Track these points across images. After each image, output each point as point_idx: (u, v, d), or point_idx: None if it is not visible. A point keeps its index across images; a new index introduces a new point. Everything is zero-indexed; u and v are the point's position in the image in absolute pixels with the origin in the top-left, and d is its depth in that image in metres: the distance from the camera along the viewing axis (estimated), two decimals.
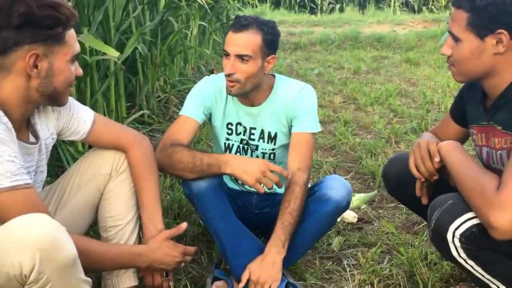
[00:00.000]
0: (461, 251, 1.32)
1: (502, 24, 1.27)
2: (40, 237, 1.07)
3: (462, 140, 1.63)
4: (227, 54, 1.71)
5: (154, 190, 1.58)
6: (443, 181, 1.48)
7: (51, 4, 1.21)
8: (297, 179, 1.71)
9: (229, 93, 1.76)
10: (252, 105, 1.85)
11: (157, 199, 1.59)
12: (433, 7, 13.26)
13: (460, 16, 1.32)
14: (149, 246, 1.50)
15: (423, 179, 1.50)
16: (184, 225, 1.56)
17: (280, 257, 1.63)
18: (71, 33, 1.30)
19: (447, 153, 1.41)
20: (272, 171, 1.61)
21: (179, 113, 1.82)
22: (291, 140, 1.81)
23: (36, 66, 1.24)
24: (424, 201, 1.54)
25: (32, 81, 1.26)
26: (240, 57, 1.68)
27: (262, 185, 1.61)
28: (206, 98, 1.83)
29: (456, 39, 1.34)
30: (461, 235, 1.29)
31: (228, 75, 1.70)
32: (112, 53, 2.15)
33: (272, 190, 1.74)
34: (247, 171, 1.59)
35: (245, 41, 1.67)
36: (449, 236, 1.31)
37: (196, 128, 1.81)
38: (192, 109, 1.81)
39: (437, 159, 1.44)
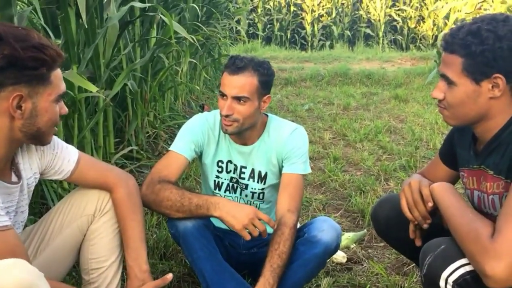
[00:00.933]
0: None
1: (498, 68, 1.27)
2: (17, 283, 1.03)
3: (452, 182, 1.60)
4: (223, 95, 1.72)
5: (139, 230, 1.55)
6: (435, 222, 1.46)
7: (36, 45, 1.21)
8: (286, 220, 1.69)
9: (225, 132, 1.77)
10: (245, 144, 1.84)
11: (142, 239, 1.55)
12: (420, 45, 13.57)
13: (454, 60, 1.32)
14: None
15: (416, 222, 1.47)
16: (169, 276, 1.50)
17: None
18: (56, 73, 1.29)
19: (440, 195, 1.39)
20: (260, 220, 1.61)
21: (169, 148, 1.81)
22: (282, 181, 1.81)
23: (19, 107, 1.23)
24: (418, 243, 1.51)
25: (15, 122, 1.24)
26: (238, 98, 1.70)
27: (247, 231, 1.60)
28: (198, 135, 1.83)
29: (451, 83, 1.33)
30: (454, 282, 1.26)
31: (226, 116, 1.71)
32: (92, 89, 2.17)
33: (256, 237, 1.72)
34: (236, 216, 1.59)
35: (241, 83, 1.70)
36: (441, 283, 1.28)
37: (185, 165, 1.80)
38: (183, 146, 1.80)
39: (430, 204, 1.42)
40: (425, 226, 1.47)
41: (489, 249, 1.16)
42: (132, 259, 1.51)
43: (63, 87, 1.32)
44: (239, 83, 1.70)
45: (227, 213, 1.60)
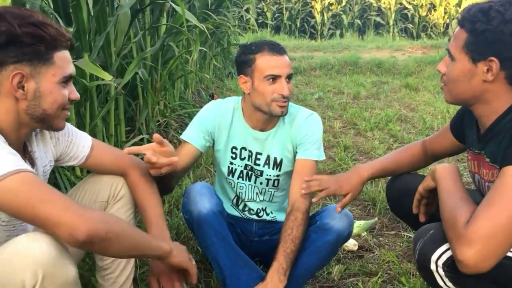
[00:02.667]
0: (446, 280, 1.31)
1: (495, 52, 1.26)
2: (42, 254, 1.08)
3: (456, 152, 1.66)
4: (274, 78, 1.72)
5: (160, 208, 1.55)
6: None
7: (35, 22, 1.20)
8: (299, 205, 1.69)
9: (281, 114, 1.77)
10: (262, 130, 1.84)
11: (164, 218, 1.55)
12: (431, 33, 13.42)
13: (460, 35, 1.33)
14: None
15: (419, 197, 1.53)
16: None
17: (282, 285, 1.60)
18: (61, 54, 1.26)
19: (440, 178, 1.41)
20: None
21: (180, 136, 1.82)
22: (295, 167, 1.81)
23: (22, 87, 1.21)
24: (422, 218, 1.55)
25: (20, 103, 1.23)
26: (289, 76, 1.74)
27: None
28: (207, 123, 1.83)
29: (452, 58, 1.35)
30: (443, 264, 1.29)
31: (286, 96, 1.72)
32: (107, 78, 2.16)
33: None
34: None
35: (288, 62, 1.75)
36: (432, 266, 1.31)
37: (193, 153, 1.80)
38: (191, 134, 1.81)
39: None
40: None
41: (462, 235, 1.18)
42: (157, 235, 1.48)
43: (69, 69, 1.29)
44: (287, 62, 1.74)
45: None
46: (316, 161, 1.81)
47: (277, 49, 1.73)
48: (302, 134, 1.81)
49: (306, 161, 1.79)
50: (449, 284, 1.31)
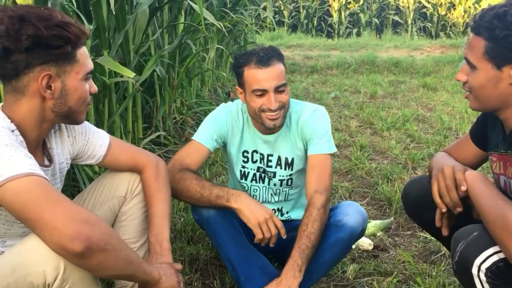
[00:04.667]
0: (486, 286, 1.27)
1: None
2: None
3: (479, 162, 1.60)
4: (262, 92, 1.70)
5: (163, 208, 1.54)
6: (465, 212, 1.44)
7: (59, 23, 1.21)
8: (314, 201, 1.69)
9: (273, 126, 1.76)
10: (269, 133, 1.84)
11: (166, 217, 1.54)
12: (450, 32, 13.25)
13: (478, 43, 1.30)
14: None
15: (444, 209, 1.44)
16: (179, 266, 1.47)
17: (297, 281, 1.60)
18: (82, 51, 1.29)
19: (473, 183, 1.37)
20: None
21: (192, 137, 1.82)
22: (308, 163, 1.80)
23: (49, 87, 1.24)
24: (445, 232, 1.49)
25: (47, 102, 1.26)
26: (278, 88, 1.69)
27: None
28: (221, 126, 1.83)
29: (473, 67, 1.33)
30: (487, 269, 1.25)
31: (275, 110, 1.70)
32: (129, 74, 2.18)
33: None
34: (254, 212, 1.60)
35: (277, 72, 1.69)
36: (474, 270, 1.27)
37: (206, 155, 1.81)
38: (205, 136, 1.80)
39: (463, 187, 1.38)
40: (457, 210, 1.44)
41: None
42: (153, 235, 1.50)
43: (90, 64, 1.32)
44: (275, 73, 1.68)
45: (246, 207, 1.61)
46: (329, 154, 1.79)
47: (264, 61, 1.67)
48: (310, 130, 1.80)
49: (318, 156, 1.78)
50: None
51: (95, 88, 1.37)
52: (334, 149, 1.82)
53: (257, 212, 1.60)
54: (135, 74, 2.19)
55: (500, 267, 1.23)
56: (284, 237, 1.65)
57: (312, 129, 1.80)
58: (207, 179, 1.74)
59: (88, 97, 1.34)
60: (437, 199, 1.45)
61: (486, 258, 1.25)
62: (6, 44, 1.17)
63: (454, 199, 1.41)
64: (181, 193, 1.68)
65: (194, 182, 1.67)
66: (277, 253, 1.91)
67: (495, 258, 1.24)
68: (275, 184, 1.90)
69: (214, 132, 1.81)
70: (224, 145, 1.89)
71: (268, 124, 1.74)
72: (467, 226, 1.35)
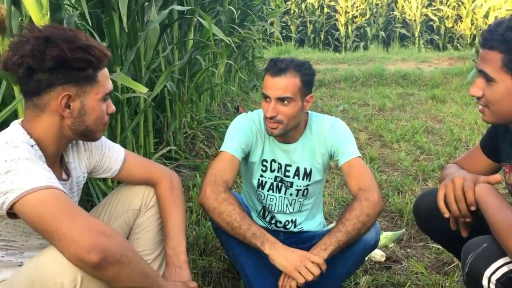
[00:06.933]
0: None
1: None
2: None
3: (491, 174, 1.58)
4: (266, 97, 1.75)
5: (179, 221, 1.57)
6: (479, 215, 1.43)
7: (83, 46, 1.25)
8: (358, 196, 1.67)
9: (270, 134, 1.79)
10: (288, 142, 1.86)
11: (182, 230, 1.57)
12: (458, 44, 13.26)
13: (493, 57, 1.30)
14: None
15: (447, 215, 1.44)
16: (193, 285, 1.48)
17: (317, 258, 1.55)
18: (103, 72, 1.33)
19: (482, 196, 1.36)
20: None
21: (222, 149, 1.79)
22: (344, 172, 1.79)
23: (68, 106, 1.28)
24: (464, 234, 1.47)
25: (65, 120, 1.30)
26: (281, 99, 1.71)
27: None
28: (248, 135, 1.84)
29: (490, 80, 1.32)
30: (497, 280, 1.25)
31: (270, 118, 1.73)
32: (142, 90, 2.22)
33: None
34: (289, 258, 1.56)
35: (284, 84, 1.71)
36: (484, 281, 1.27)
37: (238, 166, 1.80)
38: (234, 146, 1.79)
39: (473, 207, 1.37)
40: (466, 221, 1.44)
41: None
42: (170, 248, 1.52)
43: (109, 85, 1.37)
44: (282, 84, 1.71)
45: (280, 254, 1.57)
46: (359, 157, 1.79)
47: (275, 71, 1.72)
48: (334, 139, 1.82)
49: (349, 162, 1.77)
50: None
51: (112, 108, 1.40)
52: (359, 154, 1.82)
53: (291, 257, 1.56)
54: (147, 89, 2.23)
55: (511, 278, 1.23)
56: (325, 271, 1.57)
57: (335, 139, 1.82)
58: (247, 212, 1.71)
59: (105, 117, 1.37)
60: (441, 203, 1.43)
61: (496, 269, 1.25)
62: (30, 63, 1.21)
63: (463, 210, 1.40)
64: (220, 215, 1.62)
65: (237, 210, 1.62)
66: None
67: (505, 269, 1.24)
68: (291, 194, 1.92)
69: (242, 142, 1.81)
70: (247, 154, 1.88)
71: (267, 130, 1.78)
72: (476, 237, 1.35)
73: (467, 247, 1.35)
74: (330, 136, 1.83)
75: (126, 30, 2.38)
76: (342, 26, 13.84)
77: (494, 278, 1.25)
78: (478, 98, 1.38)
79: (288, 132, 1.81)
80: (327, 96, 6.76)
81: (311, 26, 14.12)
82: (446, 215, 1.44)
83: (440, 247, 2.27)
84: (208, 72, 4.19)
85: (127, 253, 1.16)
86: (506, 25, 1.29)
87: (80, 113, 1.30)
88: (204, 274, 2.05)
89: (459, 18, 13.56)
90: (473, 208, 1.37)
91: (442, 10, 13.63)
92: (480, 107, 1.39)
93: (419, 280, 2.02)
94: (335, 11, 14.09)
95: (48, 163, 1.28)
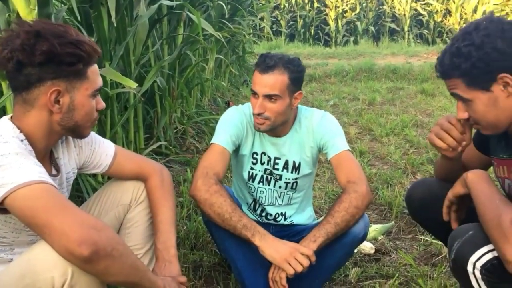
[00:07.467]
0: (482, 283, 1.30)
1: (497, 69, 1.28)
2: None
3: (485, 167, 1.61)
4: (255, 93, 1.76)
5: (169, 215, 1.58)
6: (474, 208, 1.46)
7: (73, 41, 1.25)
8: (347, 189, 1.69)
9: (257, 130, 1.80)
10: (277, 136, 1.88)
11: (172, 224, 1.57)
12: (447, 38, 13.34)
13: (455, 83, 1.34)
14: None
15: (445, 147, 1.47)
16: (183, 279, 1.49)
17: (306, 250, 1.57)
18: (93, 68, 1.33)
19: (473, 182, 1.40)
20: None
21: (213, 141, 1.80)
22: (332, 165, 1.81)
23: (57, 102, 1.28)
24: (454, 225, 1.50)
25: (54, 116, 1.29)
26: (269, 96, 1.72)
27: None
28: (238, 127, 1.85)
29: (466, 100, 1.35)
30: (481, 266, 1.28)
31: (258, 114, 1.74)
32: (132, 85, 2.21)
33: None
34: (279, 250, 1.57)
35: (272, 82, 1.71)
36: (469, 267, 1.30)
37: (229, 158, 1.81)
38: (225, 139, 1.80)
39: (464, 142, 1.43)
40: (460, 149, 1.47)
41: (509, 234, 1.17)
42: (160, 242, 1.53)
43: (99, 82, 1.37)
44: (270, 82, 1.72)
45: (269, 246, 1.58)
46: (348, 150, 1.80)
47: (263, 68, 1.72)
48: (323, 133, 1.83)
49: (338, 155, 1.79)
50: (484, 287, 1.30)
51: (102, 105, 1.40)
52: (348, 147, 1.83)
53: (281, 249, 1.57)
54: (137, 84, 2.23)
55: (495, 265, 1.26)
56: (314, 262, 1.59)
57: (324, 133, 1.84)
58: (239, 206, 1.72)
59: (94, 113, 1.37)
60: (437, 141, 1.47)
61: (481, 256, 1.28)
62: (20, 57, 1.21)
63: (456, 136, 1.44)
64: (211, 206, 1.63)
65: (229, 201, 1.63)
66: None
67: (489, 256, 1.27)
68: (280, 187, 1.93)
69: (233, 134, 1.82)
70: (237, 147, 1.89)
71: (254, 126, 1.80)
72: (463, 225, 1.38)
73: (454, 234, 1.38)
74: (319, 130, 1.85)
75: (115, 25, 2.37)
76: (332, 21, 13.85)
77: (478, 264, 1.28)
78: (468, 119, 1.41)
79: (276, 128, 1.82)
80: (317, 90, 6.78)
81: (301, 20, 14.12)
82: (444, 146, 1.47)
83: (429, 239, 2.30)
84: (198, 67, 4.19)
85: (117, 247, 1.16)
86: (449, 53, 1.33)
87: (70, 108, 1.30)
88: (195, 268, 2.07)
89: (448, 12, 13.64)
90: (465, 142, 1.43)
91: (431, 4, 13.70)
92: (474, 125, 1.42)
93: (407, 271, 2.05)
94: (325, 5, 14.10)
95: (37, 158, 1.28)
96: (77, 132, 1.37)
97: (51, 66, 1.24)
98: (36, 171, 1.17)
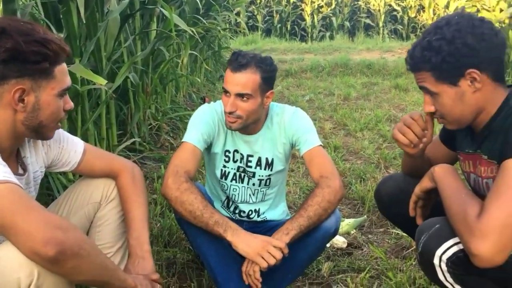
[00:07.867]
0: (447, 275, 1.33)
1: (466, 65, 1.30)
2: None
3: (452, 163, 1.64)
4: (226, 92, 1.75)
5: (141, 211, 1.56)
6: (439, 204, 1.49)
7: (39, 40, 1.23)
8: (320, 183, 1.71)
9: (229, 128, 1.80)
10: (249, 133, 1.88)
11: (145, 221, 1.56)
12: (421, 34, 13.50)
13: (424, 76, 1.37)
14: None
15: (406, 142, 1.50)
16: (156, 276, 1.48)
17: (279, 243, 1.59)
18: (61, 67, 1.30)
19: (440, 176, 1.42)
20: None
21: (184, 139, 1.79)
22: (305, 161, 1.82)
23: (22, 100, 1.25)
24: (419, 221, 1.54)
25: (18, 115, 1.26)
26: (241, 95, 1.72)
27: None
28: (209, 125, 1.84)
29: (433, 93, 1.38)
30: (447, 259, 1.31)
31: (229, 113, 1.74)
32: (101, 82, 2.19)
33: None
34: (250, 244, 1.59)
35: (244, 81, 1.71)
36: (436, 260, 1.32)
37: (201, 157, 1.80)
38: (197, 137, 1.79)
39: (425, 138, 1.46)
40: (421, 146, 1.51)
41: (475, 228, 1.20)
42: (133, 239, 1.52)
43: (67, 81, 1.34)
44: (241, 80, 1.71)
45: (242, 241, 1.59)
46: (320, 145, 1.81)
47: (235, 66, 1.72)
48: (295, 129, 1.84)
49: (311, 150, 1.80)
50: (450, 280, 1.33)
51: (70, 105, 1.37)
52: (320, 143, 1.84)
53: (253, 243, 1.58)
54: (107, 81, 2.20)
55: (460, 257, 1.28)
56: (287, 254, 1.61)
57: (295, 129, 1.84)
58: (211, 203, 1.72)
59: (61, 113, 1.34)
60: (399, 136, 1.50)
61: (447, 249, 1.30)
62: None
63: (417, 131, 1.48)
64: (182, 204, 1.63)
65: (200, 199, 1.63)
66: None
67: (455, 248, 1.29)
68: (253, 184, 1.94)
69: (204, 132, 1.81)
70: (209, 145, 1.88)
71: (226, 124, 1.79)
72: (430, 219, 1.41)
73: (421, 228, 1.41)
74: (291, 126, 1.86)
75: (84, 21, 2.33)
76: (308, 16, 13.91)
77: (445, 257, 1.31)
78: (434, 113, 1.43)
79: (248, 126, 1.82)
80: (293, 86, 6.80)
81: (278, 16, 14.13)
82: (406, 141, 1.50)
83: (400, 232, 2.34)
84: (172, 63, 4.15)
85: (85, 247, 1.15)
86: (420, 46, 1.36)
87: (34, 108, 1.27)
88: (169, 266, 2.06)
89: (421, 8, 13.84)
90: (425, 138, 1.48)
91: (405, 0, 13.88)
92: (440, 119, 1.44)
93: (378, 264, 2.09)
94: (301, 0, 14.14)
95: (3, 157, 1.24)
96: (41, 133, 1.34)
97: (15, 64, 1.21)
98: (1, 171, 1.14)
